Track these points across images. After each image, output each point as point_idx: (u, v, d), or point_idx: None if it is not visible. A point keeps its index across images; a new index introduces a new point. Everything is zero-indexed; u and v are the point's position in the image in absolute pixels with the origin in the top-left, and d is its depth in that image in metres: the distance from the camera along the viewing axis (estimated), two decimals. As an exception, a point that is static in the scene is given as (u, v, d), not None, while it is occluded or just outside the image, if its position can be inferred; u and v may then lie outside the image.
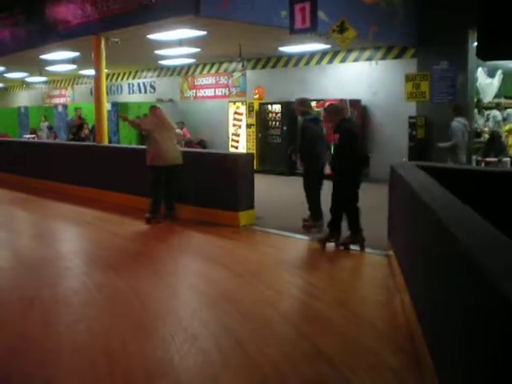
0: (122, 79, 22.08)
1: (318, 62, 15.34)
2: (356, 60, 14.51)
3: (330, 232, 7.20)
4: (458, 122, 9.52)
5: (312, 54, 15.26)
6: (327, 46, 13.48)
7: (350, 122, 7.62)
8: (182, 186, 9.25)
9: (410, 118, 12.89)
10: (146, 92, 21.03)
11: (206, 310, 5.22)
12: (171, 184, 8.93)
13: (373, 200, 10.42)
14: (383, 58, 13.94)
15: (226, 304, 5.23)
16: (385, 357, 4.09)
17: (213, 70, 18.41)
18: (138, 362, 4.03)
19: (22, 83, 26.74)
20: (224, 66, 17.98)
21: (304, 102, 8.49)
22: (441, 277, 3.31)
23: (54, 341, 4.51)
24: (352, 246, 7.12)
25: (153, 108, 9.15)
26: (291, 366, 3.97)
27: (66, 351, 4.30)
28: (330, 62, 15.06)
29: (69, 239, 8.80)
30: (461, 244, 2.70)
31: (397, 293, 5.43)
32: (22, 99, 27.92)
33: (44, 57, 14.89)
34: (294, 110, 9.04)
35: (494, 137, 10.90)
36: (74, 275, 6.41)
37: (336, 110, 7.35)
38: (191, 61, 17.44)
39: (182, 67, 19.20)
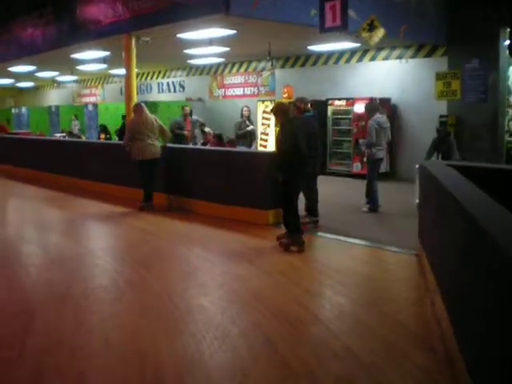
0: (152, 78, 22.24)
1: (348, 61, 15.26)
2: (386, 58, 14.39)
3: (293, 236, 7.09)
4: (373, 121, 9.65)
5: (341, 53, 15.18)
6: (357, 45, 13.40)
7: (295, 122, 7.31)
8: (211, 184, 9.31)
9: (441, 116, 12.76)
10: (175, 91, 21.14)
11: (236, 307, 5.24)
12: (151, 176, 9.77)
13: (402, 199, 10.37)
14: (413, 56, 13.81)
15: (256, 302, 5.24)
16: (415, 357, 4.05)
17: (242, 69, 18.44)
18: (168, 359, 4.06)
19: (53, 82, 27.08)
20: (253, 64, 17.99)
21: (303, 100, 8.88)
22: (474, 277, 3.27)
23: (86, 337, 4.56)
24: (293, 247, 7.03)
25: (138, 107, 9.88)
26: (320, 364, 3.97)
27: (98, 347, 4.36)
28: (360, 60, 14.97)
29: (99, 236, 8.90)
30: (495, 243, 2.66)
31: (428, 292, 5.38)
32: (53, 98, 28.32)
33: (75, 56, 15.05)
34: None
35: (445, 135, 10.62)
36: (105, 272, 6.48)
37: (283, 109, 7.25)
38: (220, 60, 17.48)
39: (211, 66, 19.26)
